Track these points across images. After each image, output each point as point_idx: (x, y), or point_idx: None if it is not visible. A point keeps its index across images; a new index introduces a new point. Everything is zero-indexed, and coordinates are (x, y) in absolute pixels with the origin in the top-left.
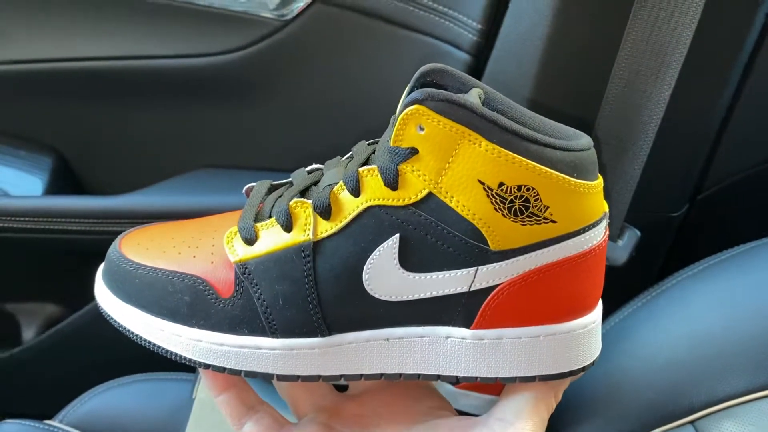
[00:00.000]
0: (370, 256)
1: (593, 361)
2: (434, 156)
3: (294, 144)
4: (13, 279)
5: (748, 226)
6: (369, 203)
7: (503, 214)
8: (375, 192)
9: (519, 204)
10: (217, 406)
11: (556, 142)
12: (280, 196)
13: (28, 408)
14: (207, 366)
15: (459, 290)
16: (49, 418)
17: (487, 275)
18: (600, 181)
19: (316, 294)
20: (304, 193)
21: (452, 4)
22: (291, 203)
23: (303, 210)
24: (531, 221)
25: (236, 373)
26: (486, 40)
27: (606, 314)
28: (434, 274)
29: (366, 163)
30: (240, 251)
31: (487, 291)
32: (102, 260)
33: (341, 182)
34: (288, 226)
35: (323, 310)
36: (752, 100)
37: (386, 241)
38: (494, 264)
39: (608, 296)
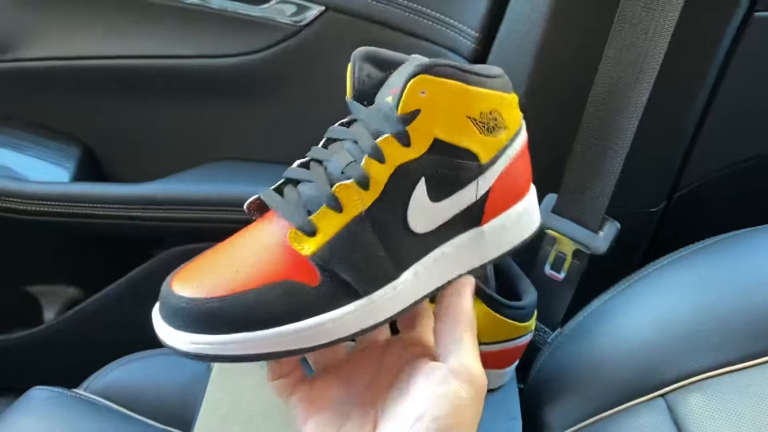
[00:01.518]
0: (410, 203)
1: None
2: (434, 109)
3: (305, 140)
4: (38, 263)
5: (722, 220)
6: (395, 165)
7: (484, 135)
8: (396, 154)
9: (492, 123)
10: (233, 373)
11: (497, 73)
12: (298, 191)
13: (52, 381)
14: (315, 348)
15: (470, 202)
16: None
17: (484, 182)
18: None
19: (383, 248)
20: (330, 180)
21: (453, 14)
22: (334, 189)
23: (347, 189)
24: (498, 133)
25: (336, 342)
26: (483, 47)
27: (590, 299)
28: (453, 197)
29: (377, 134)
30: (309, 245)
31: (486, 195)
32: (121, 243)
33: (367, 156)
34: (340, 208)
35: (392, 257)
36: (725, 106)
37: (416, 187)
38: (486, 172)
39: (593, 283)
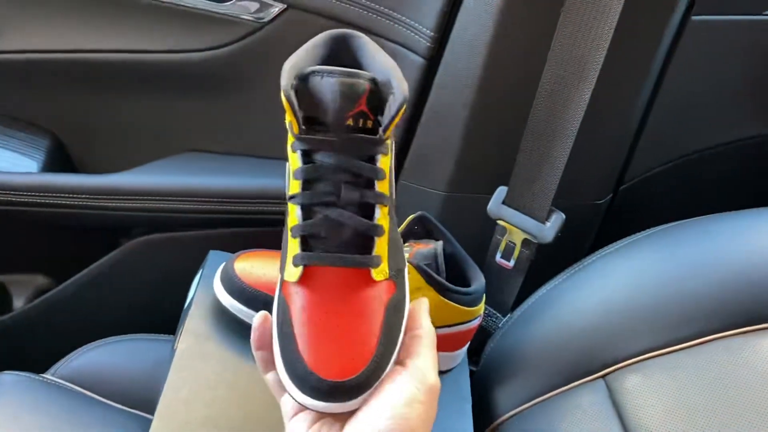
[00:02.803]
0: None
1: None
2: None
3: (267, 132)
4: (7, 252)
5: (665, 212)
6: (388, 173)
7: None
8: (385, 164)
9: None
10: (196, 357)
11: None
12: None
13: (21, 368)
14: None
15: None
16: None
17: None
18: None
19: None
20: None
21: (409, 13)
22: (378, 220)
23: (381, 215)
24: None
25: None
26: (438, 45)
27: (539, 286)
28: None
29: (370, 158)
30: (385, 270)
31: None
32: (89, 233)
33: (377, 181)
34: (383, 231)
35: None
36: (666, 104)
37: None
38: None
39: (544, 271)
